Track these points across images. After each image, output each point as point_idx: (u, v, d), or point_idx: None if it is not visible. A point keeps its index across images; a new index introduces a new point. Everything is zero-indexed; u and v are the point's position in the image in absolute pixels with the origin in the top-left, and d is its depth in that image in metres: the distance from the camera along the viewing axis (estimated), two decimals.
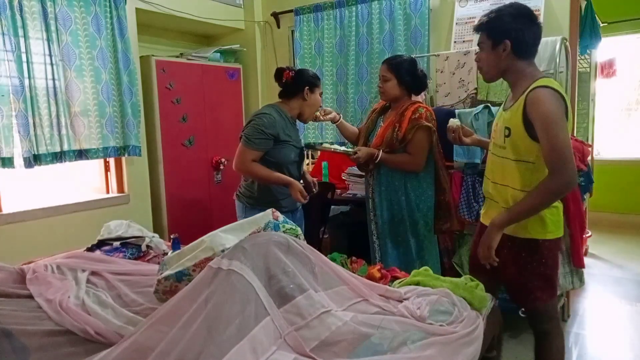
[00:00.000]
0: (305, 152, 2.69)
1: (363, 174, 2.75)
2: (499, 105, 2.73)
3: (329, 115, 2.65)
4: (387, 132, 2.49)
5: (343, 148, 2.62)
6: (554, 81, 1.69)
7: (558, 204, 1.76)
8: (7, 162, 2.67)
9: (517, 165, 1.72)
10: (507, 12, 1.71)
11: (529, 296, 1.80)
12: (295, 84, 2.47)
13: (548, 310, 1.83)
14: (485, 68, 1.81)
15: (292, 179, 2.39)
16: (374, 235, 2.60)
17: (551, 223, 1.74)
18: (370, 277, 1.93)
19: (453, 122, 2.11)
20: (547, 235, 1.74)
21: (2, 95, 2.64)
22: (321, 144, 3.57)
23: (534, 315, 1.86)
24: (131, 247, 2.43)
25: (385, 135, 2.49)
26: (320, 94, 2.55)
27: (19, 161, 2.72)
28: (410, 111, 2.44)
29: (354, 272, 1.93)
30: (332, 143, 3.06)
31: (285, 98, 2.52)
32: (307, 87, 2.46)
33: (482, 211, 1.99)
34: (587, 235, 4.12)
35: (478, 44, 1.82)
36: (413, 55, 3.30)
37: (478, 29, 1.79)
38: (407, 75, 2.48)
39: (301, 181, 2.62)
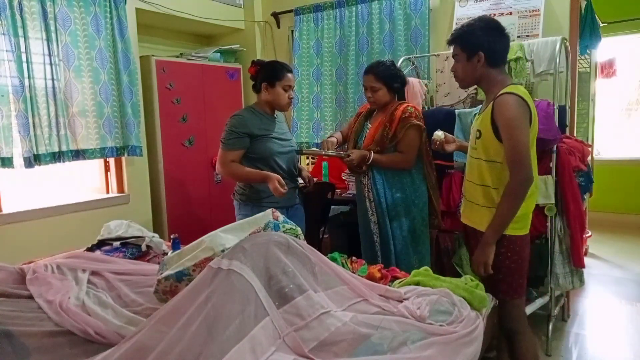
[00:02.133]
0: (295, 146, 2.62)
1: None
2: None
3: (332, 151, 2.61)
4: (377, 132, 2.52)
5: (332, 152, 2.59)
6: (521, 88, 1.83)
7: (524, 204, 1.81)
8: (7, 162, 2.67)
9: (488, 165, 1.86)
10: (479, 27, 1.86)
11: (494, 288, 1.87)
12: (257, 79, 2.48)
13: (514, 308, 1.89)
14: (461, 77, 1.95)
15: (268, 173, 2.36)
16: (375, 235, 2.61)
17: (517, 220, 1.81)
18: (370, 277, 1.93)
19: (437, 134, 2.24)
20: (511, 231, 1.82)
21: (2, 96, 2.64)
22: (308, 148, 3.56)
23: (500, 312, 1.90)
24: (131, 247, 2.43)
25: (375, 136, 2.53)
26: (287, 87, 2.45)
27: (18, 161, 2.72)
28: (400, 111, 2.49)
29: (354, 272, 1.93)
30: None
31: (256, 92, 2.53)
32: (264, 84, 2.45)
33: (460, 210, 2.11)
34: (587, 235, 4.12)
35: (453, 56, 1.95)
36: (413, 56, 3.32)
37: (452, 42, 1.94)
38: (395, 80, 2.52)
39: (299, 179, 2.62)
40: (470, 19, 1.94)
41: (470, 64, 1.87)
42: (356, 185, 2.72)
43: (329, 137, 2.70)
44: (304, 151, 2.59)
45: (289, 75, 2.47)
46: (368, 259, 2.50)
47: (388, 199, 2.54)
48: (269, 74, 2.46)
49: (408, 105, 2.53)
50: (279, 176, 2.34)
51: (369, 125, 2.64)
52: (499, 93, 1.79)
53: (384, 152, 2.52)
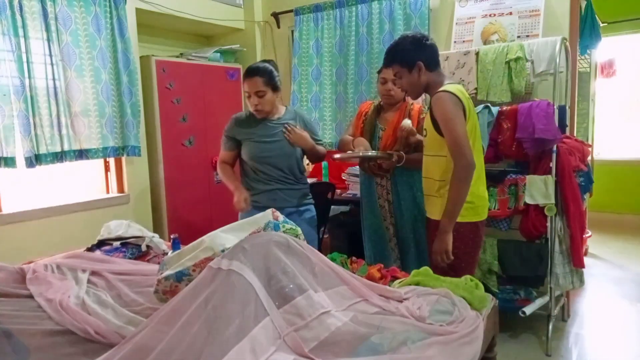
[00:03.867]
0: (292, 150, 2.49)
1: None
2: (499, 105, 2.74)
3: (374, 152, 2.53)
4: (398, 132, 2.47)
5: (373, 152, 2.45)
6: (455, 85, 2.00)
7: (470, 194, 1.97)
8: (9, 162, 2.67)
9: (436, 160, 2.03)
10: (408, 42, 2.04)
11: (442, 271, 1.98)
12: None
13: None
14: (410, 89, 2.10)
15: (238, 185, 2.44)
16: (392, 240, 2.58)
17: (463, 209, 1.96)
18: (370, 277, 1.93)
19: (406, 122, 2.32)
20: (459, 219, 1.97)
21: (4, 95, 2.64)
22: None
23: None
24: (131, 247, 2.43)
25: (397, 135, 2.46)
26: (247, 94, 2.39)
27: (20, 161, 2.72)
28: (416, 111, 2.51)
29: (354, 272, 1.93)
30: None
31: None
32: None
33: None
34: (587, 235, 4.13)
35: (395, 75, 2.13)
36: None
37: (390, 63, 2.10)
38: None
39: (306, 179, 2.60)
40: (404, 35, 2.10)
41: (413, 75, 2.03)
42: (365, 187, 2.66)
43: (345, 137, 2.66)
44: (336, 157, 2.41)
45: (247, 80, 2.36)
46: (375, 261, 2.48)
47: (408, 199, 2.51)
48: None
49: (423, 105, 2.54)
50: (247, 194, 2.40)
51: (380, 124, 2.60)
52: (434, 92, 1.98)
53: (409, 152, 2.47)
